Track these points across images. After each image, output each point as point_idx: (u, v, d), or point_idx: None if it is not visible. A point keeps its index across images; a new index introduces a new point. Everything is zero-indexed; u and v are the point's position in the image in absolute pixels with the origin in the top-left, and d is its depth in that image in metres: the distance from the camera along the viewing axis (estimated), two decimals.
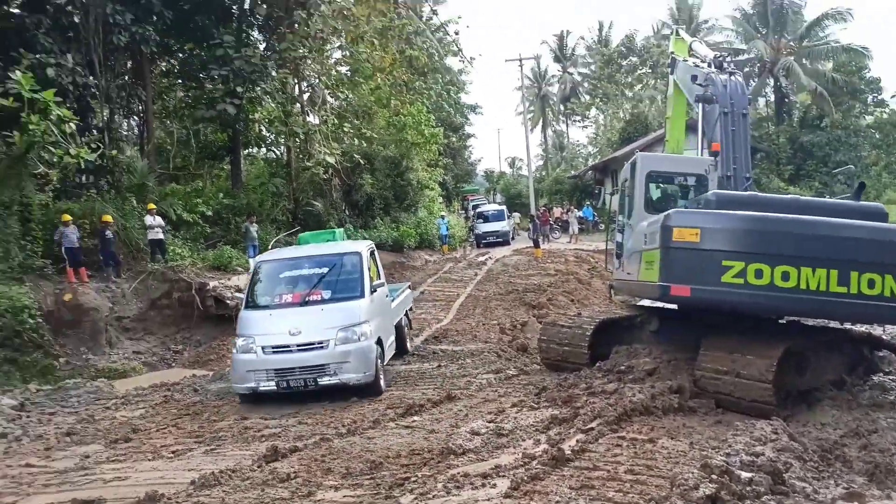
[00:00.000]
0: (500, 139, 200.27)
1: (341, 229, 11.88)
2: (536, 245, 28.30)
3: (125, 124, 25.57)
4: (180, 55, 24.79)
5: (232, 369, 9.60)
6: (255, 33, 24.75)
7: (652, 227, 8.10)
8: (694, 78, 9.96)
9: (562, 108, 70.31)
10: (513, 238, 36.33)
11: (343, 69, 28.20)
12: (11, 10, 18.41)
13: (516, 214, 43.73)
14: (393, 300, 11.59)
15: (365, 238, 23.81)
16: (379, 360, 9.49)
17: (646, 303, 12.30)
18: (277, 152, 27.14)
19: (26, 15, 17.86)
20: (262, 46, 24.04)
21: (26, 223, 15.02)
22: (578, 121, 65.79)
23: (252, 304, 10.03)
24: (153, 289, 16.90)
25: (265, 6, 22.65)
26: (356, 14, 25.84)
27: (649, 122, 41.49)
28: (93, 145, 16.74)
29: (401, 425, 7.38)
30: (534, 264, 24.75)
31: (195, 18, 21.88)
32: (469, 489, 5.11)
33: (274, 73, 22.08)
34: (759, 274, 6.99)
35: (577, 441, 6.00)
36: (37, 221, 15.35)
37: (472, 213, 45.30)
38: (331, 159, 23.19)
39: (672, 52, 12.38)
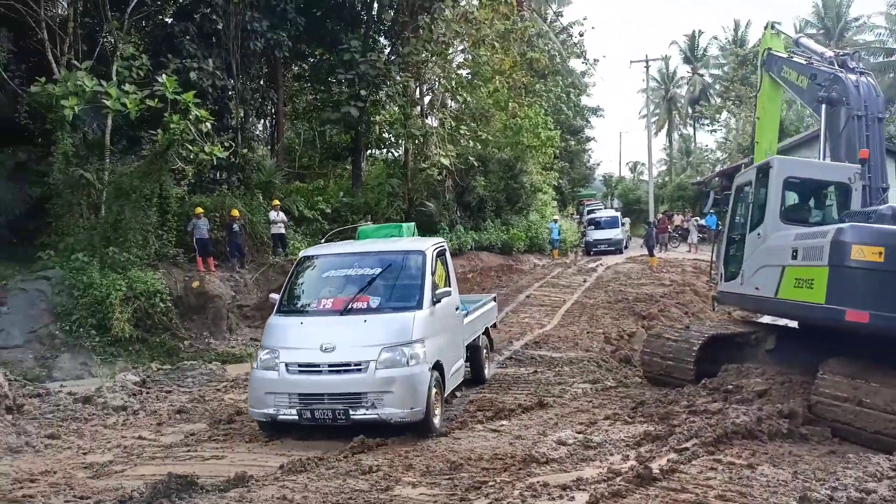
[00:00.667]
0: (622, 143, 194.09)
1: (410, 224, 9.86)
2: (651, 253, 27.25)
3: (258, 125, 27.30)
4: (311, 60, 26.16)
5: (249, 388, 7.71)
6: (381, 38, 25.63)
7: (806, 241, 7.44)
8: (814, 77, 9.16)
9: (689, 110, 67.21)
10: (626, 246, 34.75)
11: (463, 72, 28.54)
12: (165, 19, 20.21)
13: (626, 220, 41.69)
14: (466, 314, 9.49)
15: (467, 237, 23.99)
16: (435, 392, 7.47)
17: (765, 319, 11.52)
18: (396, 154, 27.88)
19: (175, 23, 19.53)
20: (386, 51, 24.84)
21: (164, 214, 16.38)
22: (707, 124, 62.53)
23: (285, 309, 8.14)
24: (273, 280, 17.87)
25: (391, 12, 23.38)
26: (479, 18, 26.05)
27: (785, 126, 38.64)
28: (226, 144, 18.00)
29: (488, 428, 7.35)
30: (647, 273, 23.86)
31: (326, 24, 23.00)
32: (546, 499, 5.00)
33: (397, 77, 22.72)
34: None
35: (669, 460, 5.69)
36: (173, 213, 16.69)
37: (586, 218, 44.35)
38: (446, 161, 23.52)
39: (768, 49, 11.43)
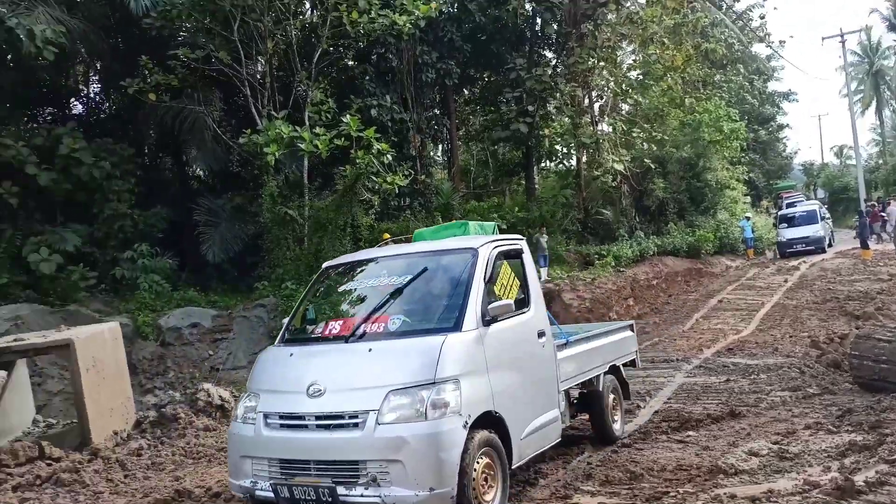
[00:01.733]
0: (823, 127, 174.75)
1: (488, 224, 7.30)
2: (864, 245, 24.29)
3: (434, 151, 28.73)
4: (479, 83, 27.09)
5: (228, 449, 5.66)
6: (547, 52, 25.86)
7: None
8: None
9: None
10: (830, 244, 30.28)
11: (633, 74, 27.78)
12: (347, 62, 22.16)
13: (827, 213, 36.74)
14: (565, 344, 6.71)
15: (653, 243, 22.96)
16: (484, 464, 4.95)
17: None
18: (568, 164, 27.78)
19: (356, 65, 21.33)
20: (552, 64, 24.99)
21: (356, 242, 17.83)
22: None
23: (288, 337, 6.02)
24: None
25: (554, 25, 23.53)
26: (645, 17, 25.28)
27: None
28: (407, 172, 19.21)
29: (673, 439, 7.11)
30: (861, 268, 21.34)
31: (491, 48, 23.77)
32: None
33: (564, 88, 22.77)
34: None
35: (877, 472, 5.15)
36: (364, 240, 18.10)
37: (776, 213, 40.63)
38: (619, 166, 23.02)
39: None
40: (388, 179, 17.11)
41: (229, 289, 18.37)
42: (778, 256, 28.35)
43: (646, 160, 24.85)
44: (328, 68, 21.76)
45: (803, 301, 18.08)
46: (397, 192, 18.76)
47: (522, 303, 6.03)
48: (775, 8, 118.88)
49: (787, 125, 59.91)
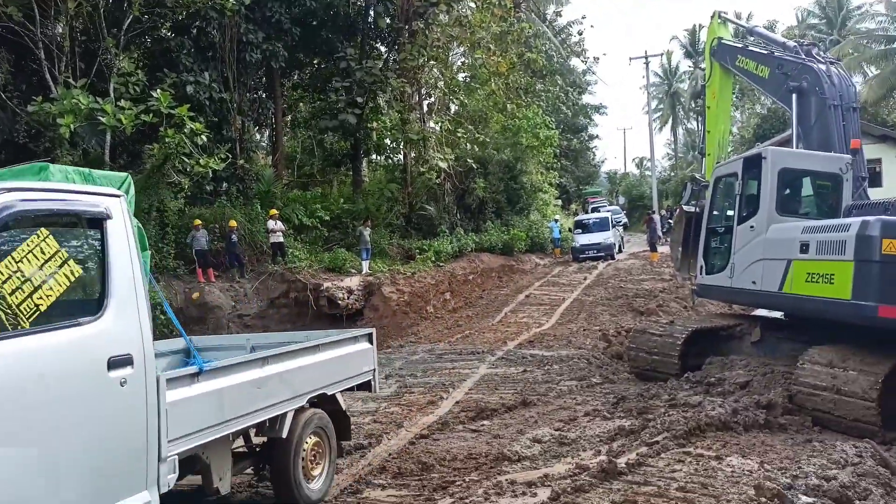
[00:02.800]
0: (627, 139, 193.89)
1: (65, 167, 4.36)
2: (653, 249, 27.23)
3: (257, 135, 27.58)
4: (308, 69, 26.41)
5: None
6: (378, 45, 25.82)
7: (820, 234, 7.36)
8: (780, 66, 9.14)
9: (693, 104, 66.97)
10: (620, 250, 31.58)
11: (461, 76, 28.67)
12: (162, 34, 20.50)
13: (622, 218, 40.35)
14: (196, 375, 4.25)
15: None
16: None
17: (761, 312, 11.51)
18: (395, 159, 28.06)
19: (172, 37, 19.82)
20: (383, 57, 25.03)
21: (163, 227, 16.63)
22: None
23: None
24: (272, 289, 18.10)
25: (387, 19, 23.57)
26: (474, 21, 26.17)
27: (787, 117, 38.49)
28: (222, 156, 18.21)
29: (468, 429, 7.43)
30: (648, 269, 23.84)
31: (321, 34, 23.23)
32: (509, 497, 5.08)
33: (393, 83, 22.89)
34: None
35: (637, 454, 5.77)
36: (172, 226, 16.93)
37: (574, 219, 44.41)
38: (444, 164, 23.65)
39: (718, 38, 11.26)
40: (202, 162, 16.12)
41: None
42: (574, 260, 28.79)
43: (469, 160, 25.77)
44: (140, 38, 20.02)
45: (598, 297, 19.79)
46: (212, 175, 17.73)
47: (82, 308, 3.63)
48: (592, 26, 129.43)
49: (597, 136, 65.55)
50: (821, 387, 7.08)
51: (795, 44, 9.75)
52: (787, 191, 8.91)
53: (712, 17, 12.03)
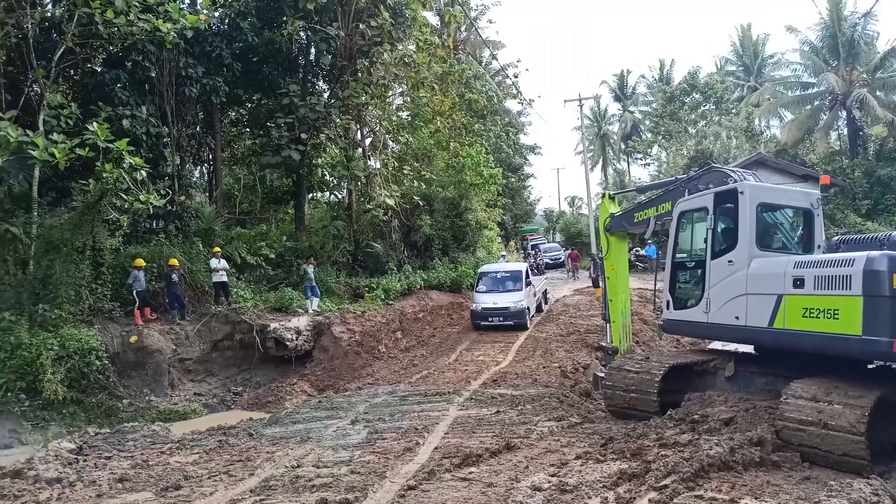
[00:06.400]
0: (560, 179, 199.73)
1: None
2: (596, 284, 27.58)
3: (195, 171, 26.57)
4: (248, 105, 25.79)
5: None
6: (320, 82, 25.51)
7: (817, 270, 7.33)
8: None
9: (623, 146, 69.57)
10: (540, 309, 24.45)
11: (404, 114, 28.66)
12: (95, 67, 19.54)
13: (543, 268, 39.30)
14: None
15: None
16: None
17: (716, 345, 11.60)
18: (339, 196, 27.59)
19: (106, 70, 18.91)
20: (325, 94, 24.72)
21: (97, 267, 15.55)
22: (640, 158, 64.75)
23: None
24: (216, 330, 17.15)
25: (330, 56, 23.35)
26: (417, 61, 26.31)
27: (714, 157, 40.36)
28: (162, 192, 17.35)
29: (457, 477, 6.98)
30: (596, 304, 24.04)
31: (263, 70, 22.75)
32: None
33: (337, 120, 22.58)
34: None
35: (650, 500, 5.50)
36: (108, 265, 15.86)
37: (530, 251, 44.97)
38: (390, 201, 23.36)
39: (610, 214, 12.28)
40: (142, 198, 15.24)
41: None
42: (474, 327, 21.81)
43: (415, 197, 25.59)
44: (72, 70, 19.06)
45: (551, 333, 19.74)
46: (151, 212, 16.82)
47: None
48: (527, 69, 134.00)
49: (533, 175, 66.84)
50: (807, 421, 7.03)
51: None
52: (765, 225, 9.02)
53: (602, 197, 13.12)
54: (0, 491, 7.27)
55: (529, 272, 24.44)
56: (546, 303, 25.76)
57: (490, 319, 21.21)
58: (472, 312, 22.10)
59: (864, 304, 6.69)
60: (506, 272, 23.12)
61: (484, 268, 24.42)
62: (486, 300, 21.69)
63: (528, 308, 21.87)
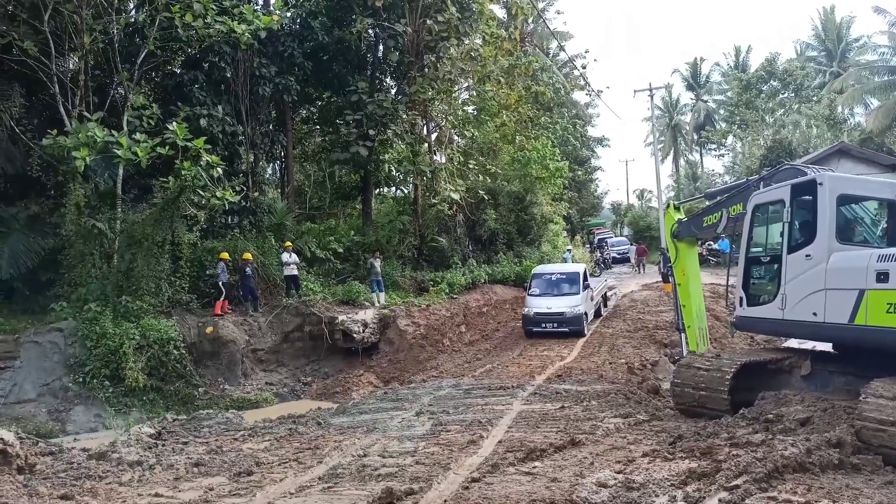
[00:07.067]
0: (629, 171, 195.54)
1: None
2: (665, 279, 26.80)
3: (268, 168, 27.43)
4: (318, 103, 26.41)
5: None
6: (387, 79, 25.86)
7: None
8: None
9: (695, 136, 67.37)
10: (599, 314, 22.35)
11: (469, 108, 28.70)
12: (174, 69, 20.45)
13: (603, 274, 34.43)
14: None
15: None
16: None
17: (792, 343, 11.12)
18: (405, 191, 27.90)
19: (185, 72, 19.75)
20: (393, 91, 25.04)
21: (176, 261, 16.29)
22: (714, 149, 62.56)
23: None
24: (287, 322, 17.69)
25: (397, 52, 23.62)
26: (483, 55, 26.28)
27: (793, 147, 38.58)
28: (237, 188, 18.01)
29: (521, 471, 6.97)
30: (665, 299, 23.43)
31: (333, 68, 23.26)
32: None
33: (404, 116, 22.84)
34: None
35: (720, 500, 5.35)
36: (186, 259, 16.58)
37: (597, 245, 44.15)
38: (455, 196, 23.47)
39: (677, 221, 12.21)
40: (218, 194, 15.88)
41: (19, 309, 15.89)
42: (527, 334, 19.96)
43: (480, 191, 25.60)
44: (153, 72, 20.00)
45: (618, 329, 19.40)
46: (226, 208, 17.51)
47: None
48: (595, 60, 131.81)
49: (600, 167, 65.61)
50: (888, 422, 6.67)
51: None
52: (844, 218, 8.60)
53: (667, 207, 13.20)
54: (87, 471, 7.74)
55: (587, 273, 22.56)
56: (606, 306, 23.85)
57: (543, 325, 19.49)
58: (523, 318, 20.23)
59: None
60: (561, 274, 21.30)
61: (538, 268, 22.87)
62: (540, 304, 19.87)
63: (586, 313, 20.09)
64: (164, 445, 9.01)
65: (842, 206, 8.43)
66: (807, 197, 8.51)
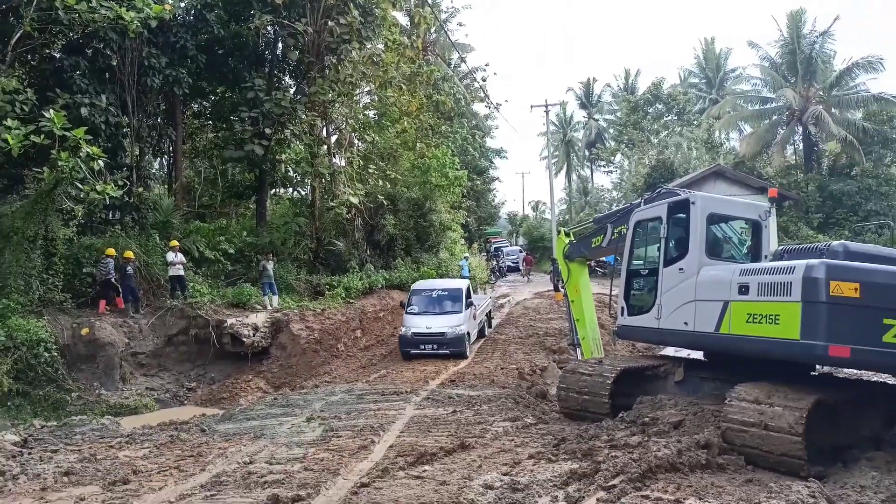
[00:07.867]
0: (525, 183, 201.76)
1: None
2: (556, 289, 27.85)
3: (155, 163, 26.05)
4: (212, 97, 25.40)
5: None
6: (286, 78, 25.29)
7: (761, 277, 7.58)
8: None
9: (587, 153, 70.48)
10: (480, 335, 20.47)
11: (370, 113, 28.58)
12: (54, 53, 19.02)
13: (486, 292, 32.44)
14: None
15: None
16: None
17: (668, 351, 11.88)
18: (302, 192, 27.37)
19: (65, 57, 18.43)
20: (292, 90, 24.49)
21: (49, 257, 15.15)
22: (603, 166, 65.73)
23: None
24: (171, 325, 16.87)
25: (297, 52, 23.15)
26: (385, 60, 26.28)
27: (675, 168, 41.24)
28: (120, 182, 17.02)
29: (411, 475, 7.02)
30: (555, 308, 24.32)
31: (228, 63, 22.45)
32: None
33: (303, 116, 22.41)
34: None
35: (598, 500, 5.62)
36: (60, 256, 15.47)
37: (493, 254, 45.34)
38: (354, 200, 23.28)
39: (567, 244, 13.21)
40: (99, 188, 14.91)
41: None
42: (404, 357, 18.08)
43: (379, 196, 25.53)
44: (29, 55, 18.52)
45: (510, 336, 19.92)
46: (107, 203, 16.48)
47: None
48: (495, 73, 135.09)
49: (498, 178, 67.17)
50: (749, 423, 7.26)
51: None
52: (714, 235, 9.30)
53: (558, 233, 14.41)
54: None
55: (471, 290, 21.01)
56: (490, 326, 22.35)
57: (422, 347, 17.68)
58: (400, 339, 18.19)
59: (802, 309, 6.97)
60: (443, 290, 19.55)
61: (417, 284, 20.90)
62: (419, 324, 18.03)
63: (468, 333, 18.39)
64: (30, 454, 8.34)
65: (712, 225, 9.13)
66: (681, 215, 9.18)
